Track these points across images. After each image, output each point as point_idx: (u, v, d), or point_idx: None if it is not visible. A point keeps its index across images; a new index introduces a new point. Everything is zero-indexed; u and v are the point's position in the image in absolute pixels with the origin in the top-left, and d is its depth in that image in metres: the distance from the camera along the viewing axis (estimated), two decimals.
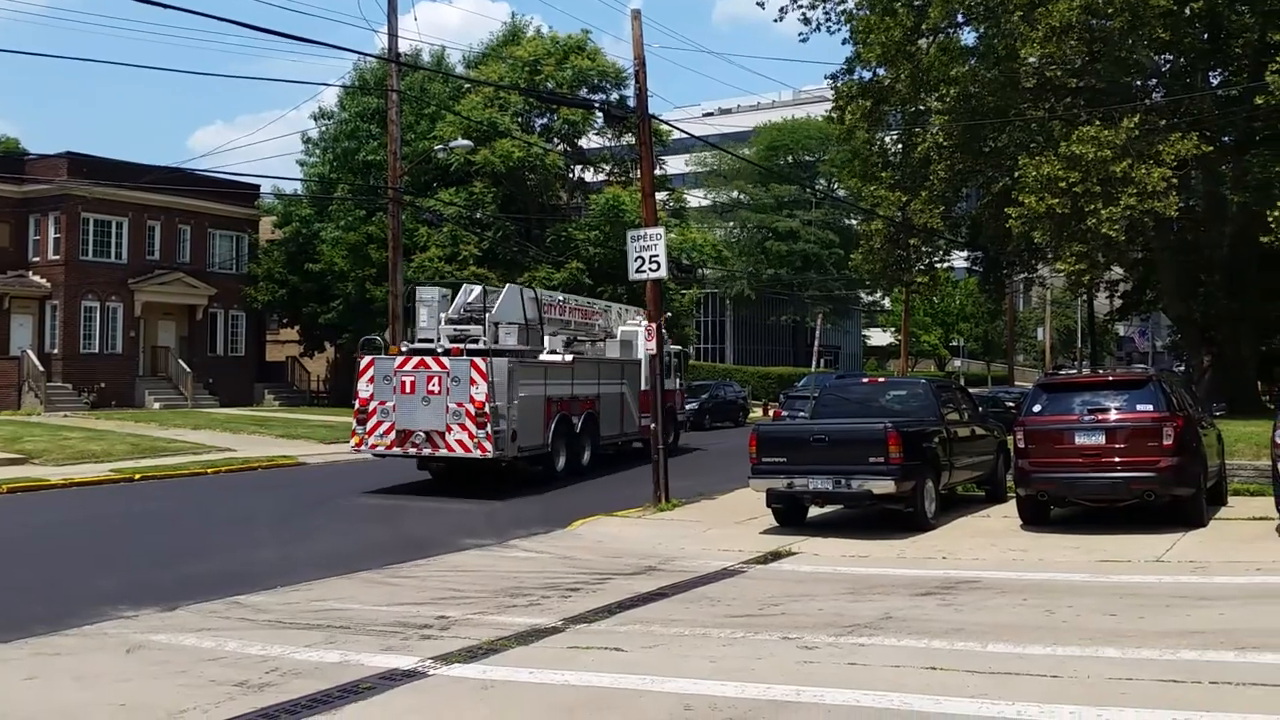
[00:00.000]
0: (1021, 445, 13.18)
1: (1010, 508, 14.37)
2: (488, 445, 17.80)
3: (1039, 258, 34.17)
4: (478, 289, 21.03)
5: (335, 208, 39.88)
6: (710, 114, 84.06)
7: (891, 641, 7.67)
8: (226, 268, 44.01)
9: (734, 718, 5.93)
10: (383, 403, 18.90)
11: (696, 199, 59.12)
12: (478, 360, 18.08)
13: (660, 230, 17.03)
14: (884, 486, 12.88)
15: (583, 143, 43.28)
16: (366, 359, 19.52)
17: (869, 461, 12.90)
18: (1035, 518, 13.48)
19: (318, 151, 42.29)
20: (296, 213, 42.56)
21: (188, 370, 41.16)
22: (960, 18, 29.51)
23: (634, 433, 23.37)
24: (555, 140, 41.34)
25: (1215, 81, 28.84)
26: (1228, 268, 29.75)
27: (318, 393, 48.34)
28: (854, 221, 54.26)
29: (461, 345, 18.73)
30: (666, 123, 30.45)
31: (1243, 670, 6.51)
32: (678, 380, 28.17)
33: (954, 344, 73.40)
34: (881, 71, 31.04)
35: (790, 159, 70.35)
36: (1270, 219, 23.83)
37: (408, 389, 18.53)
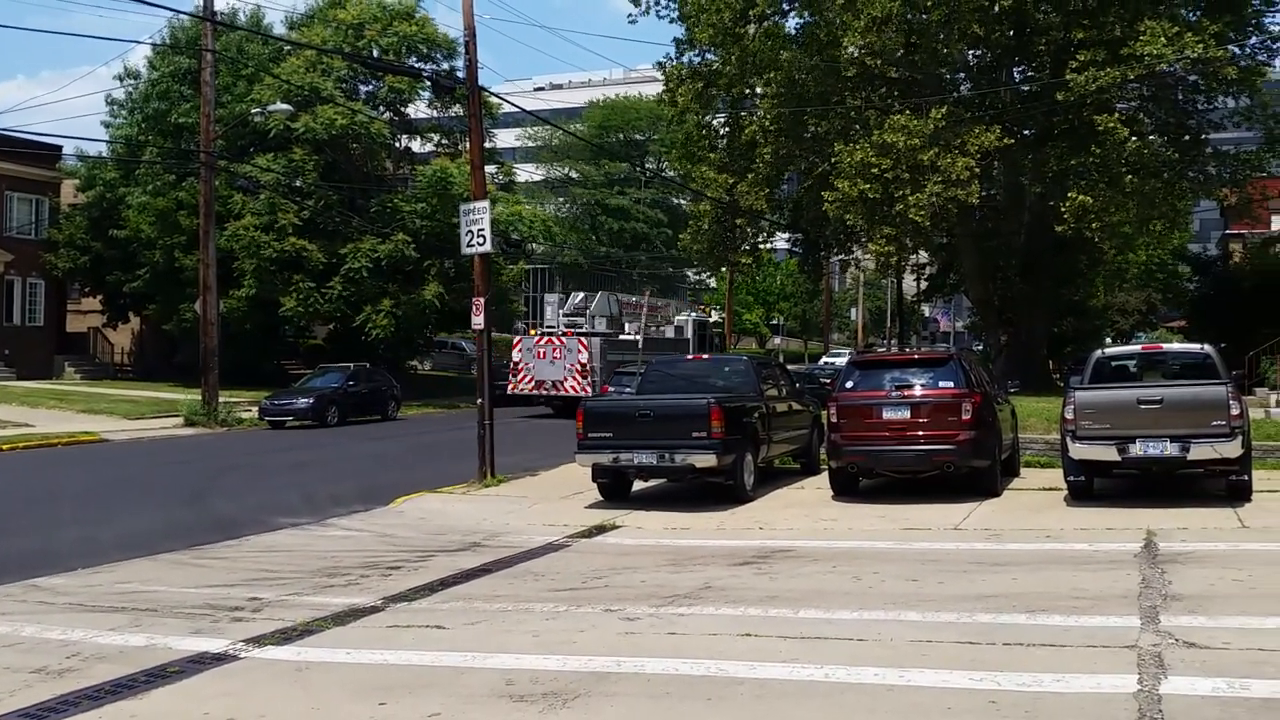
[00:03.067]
0: (834, 420, 13.69)
1: (823, 479, 14.91)
2: (589, 389, 27.72)
3: (854, 240, 35.54)
4: (582, 295, 34.45)
5: (143, 171, 37.66)
6: (542, 89, 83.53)
7: (710, 610, 7.89)
8: (25, 232, 41.08)
9: (556, 690, 6.00)
10: (527, 364, 29.89)
11: (528, 174, 58.66)
12: (582, 338, 29.84)
13: (486, 203, 16.82)
14: (706, 460, 13.16)
15: (410, 112, 42.18)
16: (517, 337, 31.56)
17: (692, 436, 13.15)
18: (846, 489, 14.04)
19: (124, 113, 39.82)
20: (101, 176, 39.99)
21: None
22: (785, 4, 30.29)
23: None
24: (381, 108, 40.15)
25: (1019, 77, 30.57)
26: (1024, 254, 31.67)
27: (121, 366, 45.80)
28: (682, 201, 55.05)
29: (573, 329, 30.57)
30: (497, 95, 30.01)
31: (1033, 632, 6.94)
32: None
33: (774, 322, 75.46)
34: (711, 55, 31.59)
35: (621, 137, 70.63)
36: (1063, 209, 25.49)
37: (542, 355, 29.74)
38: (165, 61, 38.11)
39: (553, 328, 31.39)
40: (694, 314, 39.34)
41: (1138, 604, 7.60)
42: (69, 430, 24.80)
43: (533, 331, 31.36)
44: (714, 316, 39.56)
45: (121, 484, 17.15)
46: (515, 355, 30.42)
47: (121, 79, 40.14)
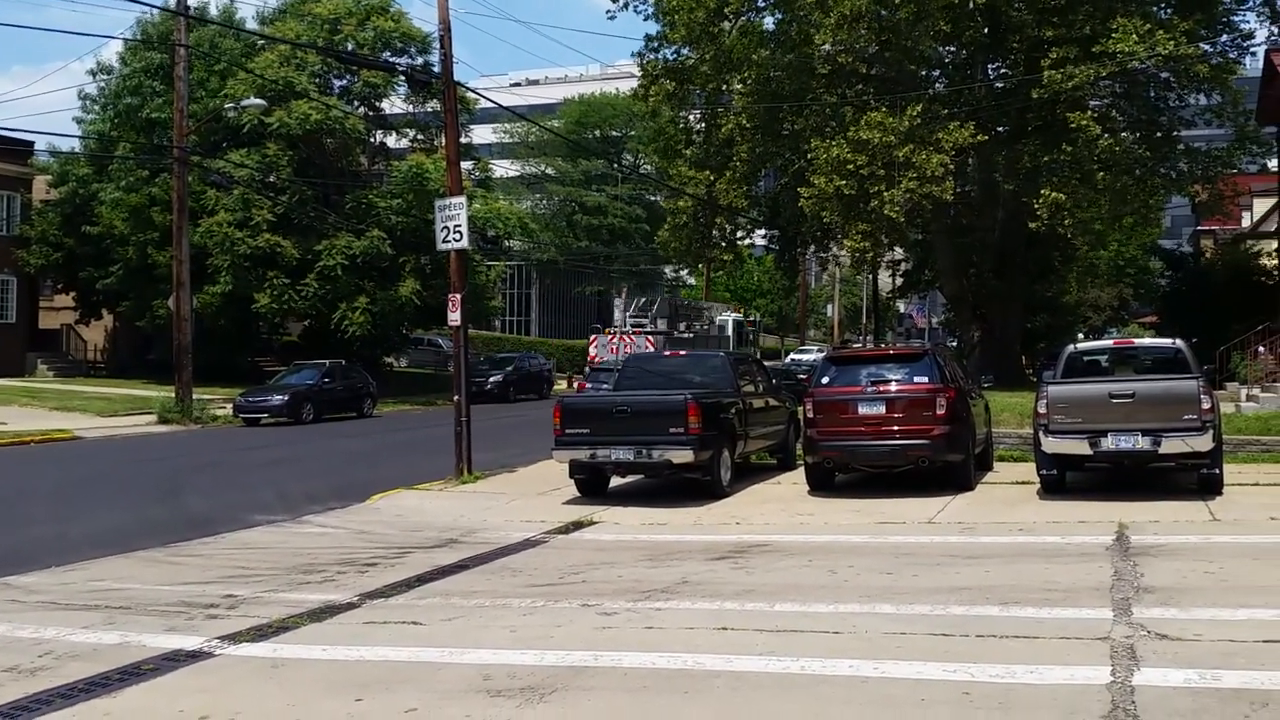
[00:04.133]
0: (810, 415, 13.74)
1: (799, 475, 14.97)
2: None
3: (830, 237, 35.68)
4: (644, 298, 40.21)
5: (116, 167, 37.29)
6: (518, 84, 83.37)
7: (687, 605, 7.91)
8: None
9: (532, 685, 6.00)
10: (602, 358, 33.24)
11: (504, 169, 58.49)
12: (649, 336, 35.12)
13: (462, 199, 16.78)
14: (683, 456, 13.17)
15: (385, 107, 41.96)
16: (593, 335, 36.90)
17: (669, 432, 13.16)
18: (821, 484, 14.09)
19: (96, 108, 39.43)
20: (74, 172, 39.58)
21: None
22: (760, 2, 30.32)
23: None
24: (355, 103, 39.91)
25: (993, 74, 30.76)
26: (998, 250, 31.84)
27: (94, 363, 45.40)
28: (658, 198, 55.11)
29: (640, 328, 35.78)
30: (473, 90, 29.99)
31: (1005, 624, 7.00)
32: (754, 349, 45.40)
33: (751, 318, 75.52)
34: (686, 51, 31.59)
35: (598, 133, 70.50)
36: (1036, 205, 25.66)
37: (615, 350, 33.57)
38: (137, 56, 37.75)
39: (620, 326, 36.86)
40: (732, 314, 45.41)
41: (1110, 596, 7.67)
42: (42, 428, 24.59)
43: (607, 331, 36.61)
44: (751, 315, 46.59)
45: (95, 481, 17.03)
46: (591, 350, 35.65)
47: (94, 74, 39.79)
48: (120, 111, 37.61)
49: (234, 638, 7.23)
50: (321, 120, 35.66)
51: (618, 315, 37.51)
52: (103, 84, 39.05)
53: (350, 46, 36.70)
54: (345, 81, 39.82)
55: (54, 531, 12.21)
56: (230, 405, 29.06)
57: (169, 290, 29.20)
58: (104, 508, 14.27)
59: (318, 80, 37.99)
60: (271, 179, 35.68)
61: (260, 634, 7.35)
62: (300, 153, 36.48)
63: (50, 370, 41.45)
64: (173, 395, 27.69)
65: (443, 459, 16.83)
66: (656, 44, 32.66)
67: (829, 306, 79.87)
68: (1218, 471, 12.43)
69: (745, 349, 42.77)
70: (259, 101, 32.38)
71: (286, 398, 28.39)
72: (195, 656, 6.82)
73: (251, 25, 40.02)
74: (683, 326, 38.49)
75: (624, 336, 34.83)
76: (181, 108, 27.87)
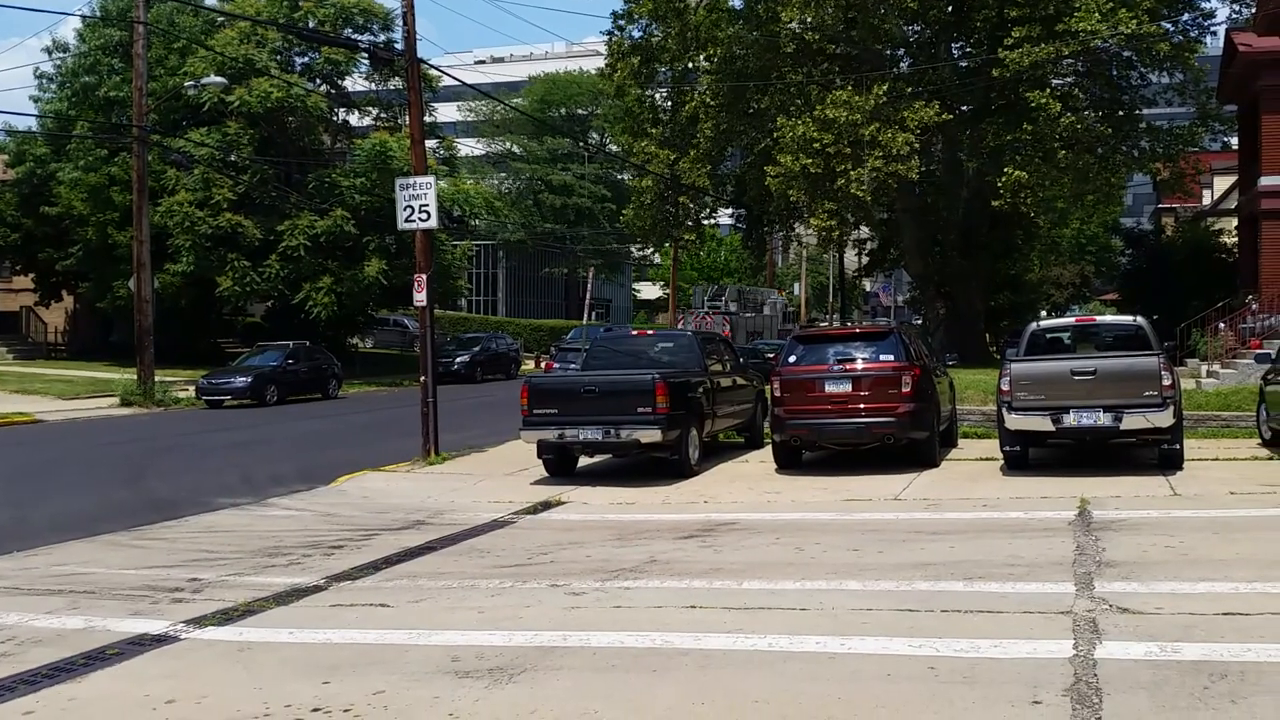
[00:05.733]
0: (777, 394, 13.80)
1: (767, 453, 15.04)
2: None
3: (796, 216, 35.77)
4: (716, 286, 52.12)
5: (74, 146, 36.67)
6: (482, 62, 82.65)
7: (655, 584, 7.93)
8: None
9: (501, 666, 6.00)
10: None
11: (469, 148, 58.07)
12: (725, 315, 43.62)
13: (430, 179, 16.65)
14: (651, 435, 13.18)
15: (348, 85, 41.52)
16: (680, 316, 46.09)
17: (637, 412, 13.14)
18: (789, 462, 14.16)
19: (53, 87, 38.74)
20: (31, 151, 38.84)
21: None
22: None
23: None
24: (317, 81, 39.44)
25: (958, 53, 30.86)
26: (962, 229, 32.06)
27: (55, 345, 44.79)
28: (625, 177, 55.02)
29: (717, 310, 44.37)
30: (437, 68, 29.70)
31: (970, 599, 7.07)
32: (794, 324, 54.16)
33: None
34: (653, 28, 31.49)
35: (563, 112, 70.13)
36: (1000, 184, 25.83)
37: (700, 326, 38.94)
38: (95, 34, 37.11)
39: (699, 308, 45.21)
40: (779, 298, 55.24)
41: (1072, 571, 7.77)
42: (2, 411, 24.25)
43: (691, 312, 45.65)
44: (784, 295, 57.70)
45: (57, 465, 16.82)
46: (683, 326, 41.47)
47: (50, 52, 39.07)
48: (78, 90, 36.98)
49: (199, 621, 7.18)
50: (283, 98, 35.22)
51: (696, 299, 47.68)
52: (59, 62, 38.35)
53: (311, 23, 36.22)
54: (307, 59, 39.34)
55: (15, 516, 12.05)
56: (193, 387, 28.77)
57: (130, 271, 28.82)
58: (67, 491, 14.10)
59: (279, 58, 37.50)
60: (232, 158, 35.25)
61: (226, 617, 7.30)
62: (261, 131, 36.05)
63: (10, 353, 40.87)
64: (135, 377, 27.38)
65: (409, 440, 16.75)
66: (620, 21, 32.55)
67: (795, 285, 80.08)
68: (1178, 447, 12.60)
69: (787, 325, 52.53)
70: (219, 79, 31.93)
71: (250, 379, 28.13)
72: (161, 641, 6.77)
73: (211, 1, 39.43)
74: (747, 307, 47.22)
75: (707, 317, 43.08)
76: (140, 86, 27.42)
